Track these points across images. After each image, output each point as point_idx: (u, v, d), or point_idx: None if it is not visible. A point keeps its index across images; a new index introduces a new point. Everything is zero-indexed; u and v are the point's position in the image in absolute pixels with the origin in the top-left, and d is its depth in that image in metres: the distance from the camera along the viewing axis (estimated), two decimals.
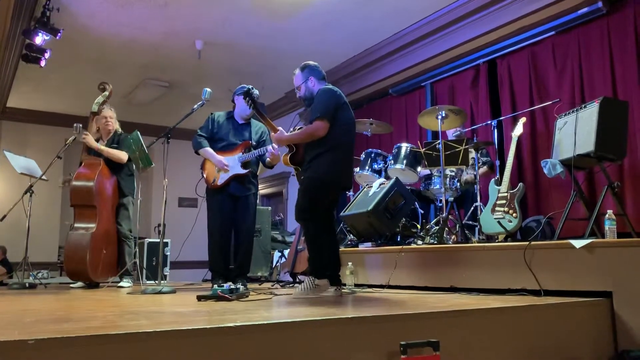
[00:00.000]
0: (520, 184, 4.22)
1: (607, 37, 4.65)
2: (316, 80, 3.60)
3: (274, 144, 4.19)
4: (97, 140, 5.02)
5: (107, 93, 5.06)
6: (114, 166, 4.91)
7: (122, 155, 4.87)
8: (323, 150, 3.39)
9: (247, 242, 4.45)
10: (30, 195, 5.08)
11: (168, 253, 6.64)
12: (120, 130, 5.12)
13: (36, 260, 6.14)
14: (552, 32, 5.07)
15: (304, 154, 3.54)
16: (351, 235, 5.05)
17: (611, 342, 2.72)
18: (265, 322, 1.84)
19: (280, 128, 3.61)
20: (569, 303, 2.70)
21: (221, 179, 4.33)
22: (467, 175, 4.94)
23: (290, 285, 4.68)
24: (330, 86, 3.57)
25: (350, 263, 4.16)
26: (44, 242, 8.41)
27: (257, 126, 4.57)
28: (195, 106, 4.24)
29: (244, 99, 3.96)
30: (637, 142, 4.33)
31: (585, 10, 4.72)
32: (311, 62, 3.69)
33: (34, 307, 2.78)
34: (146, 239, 6.70)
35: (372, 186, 4.74)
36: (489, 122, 5.02)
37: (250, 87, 4.36)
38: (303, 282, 3.45)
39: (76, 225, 4.68)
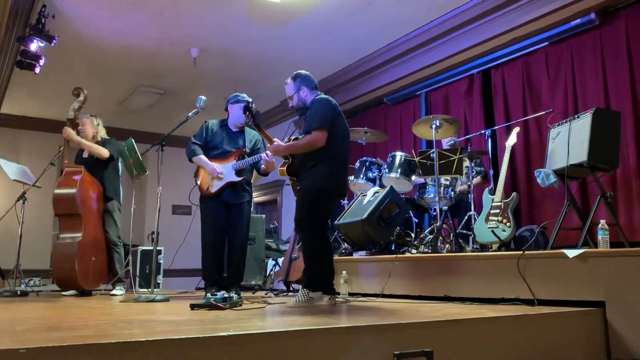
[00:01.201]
0: (514, 194, 4.24)
1: (600, 48, 4.69)
2: (308, 90, 3.60)
3: (268, 152, 4.19)
4: (82, 150, 4.99)
5: (81, 98, 5.02)
6: (97, 166, 4.87)
7: (102, 151, 4.83)
8: (320, 160, 3.39)
9: (240, 250, 4.43)
10: (23, 202, 5.05)
11: (161, 261, 6.61)
12: (105, 136, 5.08)
13: (28, 268, 6.09)
14: (546, 43, 5.11)
15: (300, 164, 3.54)
16: (345, 243, 5.04)
17: (604, 352, 2.73)
18: (258, 332, 1.83)
19: (276, 139, 3.61)
20: (562, 313, 2.70)
21: (215, 186, 4.33)
22: (462, 186, 4.96)
23: (284, 293, 4.66)
24: (324, 96, 3.58)
25: (344, 272, 4.15)
26: (37, 250, 8.34)
27: (251, 134, 4.57)
28: (190, 114, 4.24)
29: (244, 113, 3.96)
30: (629, 152, 4.35)
31: (578, 21, 4.76)
32: (303, 72, 3.68)
33: (26, 315, 2.76)
34: (139, 247, 6.67)
35: (366, 195, 4.75)
36: (483, 131, 5.05)
37: (248, 100, 4.36)
38: (298, 292, 3.44)
39: (62, 235, 4.63)
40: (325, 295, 3.38)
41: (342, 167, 3.52)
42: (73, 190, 4.59)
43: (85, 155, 4.97)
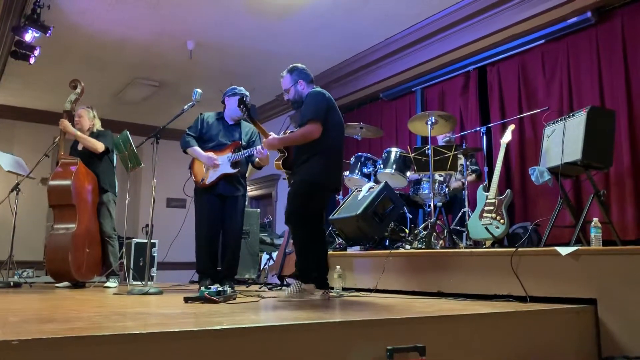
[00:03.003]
0: (508, 191, 4.25)
1: (596, 47, 4.70)
2: (305, 84, 3.58)
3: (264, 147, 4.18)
4: (77, 142, 4.97)
5: (78, 91, 5.00)
6: (93, 159, 4.85)
7: (97, 145, 4.82)
8: (314, 153, 3.37)
9: (234, 243, 4.43)
10: (17, 193, 5.03)
11: (155, 254, 6.59)
12: (100, 128, 5.07)
13: (21, 259, 6.08)
14: (542, 41, 5.12)
15: (294, 158, 3.53)
16: (340, 238, 5.05)
17: (595, 349, 2.75)
18: (252, 325, 1.84)
19: (271, 133, 3.60)
20: (554, 310, 2.72)
21: (210, 177, 4.32)
22: (456, 182, 4.97)
23: (278, 287, 4.67)
24: (318, 89, 3.56)
25: (338, 266, 4.16)
26: (30, 241, 8.31)
27: (247, 127, 4.56)
28: (186, 107, 4.22)
29: (239, 106, 3.94)
30: (623, 151, 4.37)
31: (574, 20, 4.77)
32: (299, 65, 3.66)
33: (19, 307, 2.75)
34: (134, 239, 6.66)
35: (361, 190, 4.75)
36: (478, 128, 5.06)
37: (244, 94, 4.35)
38: (291, 285, 3.45)
39: (56, 225, 4.62)
40: (320, 289, 3.38)
41: (336, 160, 3.49)
42: (68, 182, 4.58)
43: (80, 147, 4.94)
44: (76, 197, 4.61)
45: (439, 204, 4.80)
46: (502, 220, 4.07)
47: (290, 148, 3.58)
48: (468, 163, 4.78)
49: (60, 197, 4.59)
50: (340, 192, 5.13)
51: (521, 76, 5.33)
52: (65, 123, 4.82)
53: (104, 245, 4.82)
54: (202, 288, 3.13)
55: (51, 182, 4.64)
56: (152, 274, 6.38)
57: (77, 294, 3.85)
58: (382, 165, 5.08)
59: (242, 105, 3.87)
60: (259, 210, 6.55)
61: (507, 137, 4.48)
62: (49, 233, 4.65)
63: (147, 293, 3.71)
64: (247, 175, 4.63)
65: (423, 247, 4.35)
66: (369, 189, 4.67)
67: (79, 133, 4.84)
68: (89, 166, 4.82)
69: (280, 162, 3.62)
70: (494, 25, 5.38)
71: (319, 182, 3.39)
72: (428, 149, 4.60)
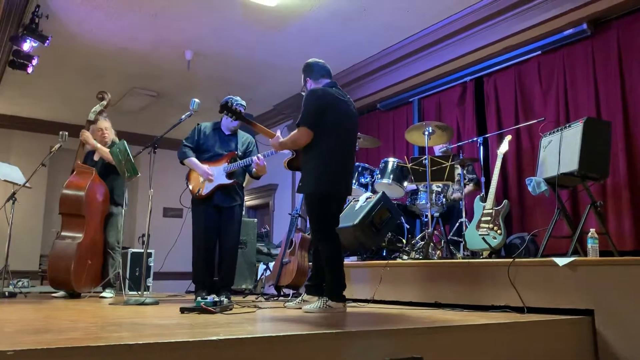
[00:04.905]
0: (505, 201, 4.25)
1: (592, 58, 4.73)
2: (312, 81, 3.41)
3: (260, 155, 4.18)
4: (93, 152, 4.98)
5: (104, 102, 5.07)
6: (110, 170, 4.87)
7: None
8: (309, 158, 3.26)
9: (231, 253, 4.42)
10: (13, 203, 5.01)
11: (152, 264, 6.58)
12: (117, 140, 5.09)
13: (17, 269, 6.05)
14: (538, 52, 5.15)
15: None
16: None
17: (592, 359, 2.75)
18: (248, 336, 1.83)
19: (278, 133, 3.45)
20: (552, 321, 2.72)
21: (206, 189, 4.32)
22: (456, 193, 4.96)
23: (275, 298, 4.65)
24: (315, 87, 3.34)
25: None
26: (26, 251, 8.28)
27: (244, 137, 4.56)
28: (183, 116, 4.23)
29: (220, 112, 3.76)
30: (619, 162, 4.39)
31: (570, 31, 4.81)
32: (309, 60, 3.47)
33: (14, 317, 2.73)
34: (130, 249, 6.64)
35: (358, 200, 4.76)
36: (475, 139, 5.08)
37: (241, 104, 4.34)
38: (301, 297, 3.38)
39: (63, 233, 4.62)
40: (341, 302, 3.20)
41: (333, 166, 3.23)
42: (81, 193, 4.59)
43: (96, 158, 4.96)
44: (87, 208, 4.61)
45: (436, 214, 4.80)
46: (499, 231, 4.08)
47: (298, 150, 3.42)
48: (465, 172, 4.79)
49: (72, 206, 4.60)
50: (350, 194, 5.10)
51: (518, 87, 5.36)
52: (86, 134, 4.86)
53: (105, 256, 4.81)
54: (199, 298, 3.12)
55: (65, 191, 4.64)
56: (148, 284, 6.36)
57: (72, 304, 3.83)
58: (379, 176, 5.09)
59: (225, 111, 3.72)
60: (256, 220, 6.54)
61: (504, 147, 4.49)
62: (54, 240, 4.63)
63: (143, 303, 3.69)
64: (244, 185, 4.63)
65: (420, 257, 4.34)
66: (367, 199, 4.67)
67: (98, 145, 4.88)
68: (105, 177, 4.83)
69: (287, 162, 3.49)
70: (491, 37, 5.42)
71: (324, 191, 3.23)
72: (425, 159, 4.61)
